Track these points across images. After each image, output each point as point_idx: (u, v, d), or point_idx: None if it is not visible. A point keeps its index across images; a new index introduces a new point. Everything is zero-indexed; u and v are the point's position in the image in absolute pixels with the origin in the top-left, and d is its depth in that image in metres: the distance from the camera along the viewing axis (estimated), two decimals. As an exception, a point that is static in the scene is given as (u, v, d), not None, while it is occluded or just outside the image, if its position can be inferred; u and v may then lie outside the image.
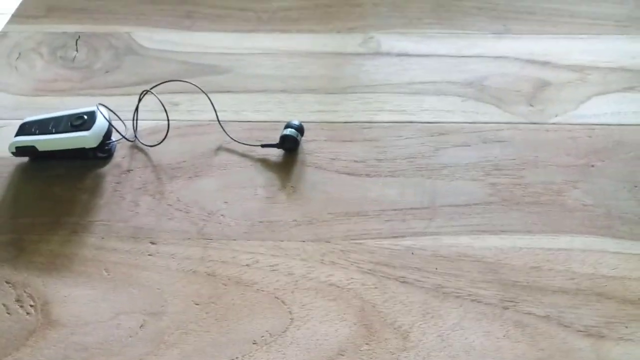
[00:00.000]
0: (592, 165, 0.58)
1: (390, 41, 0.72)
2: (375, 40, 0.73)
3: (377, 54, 0.71)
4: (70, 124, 0.57)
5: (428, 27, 0.74)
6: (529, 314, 0.47)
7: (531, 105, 0.64)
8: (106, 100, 0.63)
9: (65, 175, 0.58)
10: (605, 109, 0.63)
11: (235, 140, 0.60)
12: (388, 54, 0.71)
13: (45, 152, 0.58)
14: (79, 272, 0.51)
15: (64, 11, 0.78)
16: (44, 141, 0.57)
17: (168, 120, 0.59)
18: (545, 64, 0.68)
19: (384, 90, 0.66)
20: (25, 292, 0.49)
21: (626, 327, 0.46)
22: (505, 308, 0.47)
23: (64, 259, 0.52)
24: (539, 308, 0.47)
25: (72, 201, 0.56)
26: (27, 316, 0.48)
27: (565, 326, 0.46)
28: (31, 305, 0.48)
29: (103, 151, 0.59)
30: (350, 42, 0.72)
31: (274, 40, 0.73)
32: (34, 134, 0.58)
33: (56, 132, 0.57)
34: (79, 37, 0.74)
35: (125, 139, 0.61)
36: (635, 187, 0.56)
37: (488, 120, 0.62)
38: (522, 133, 0.61)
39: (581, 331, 0.46)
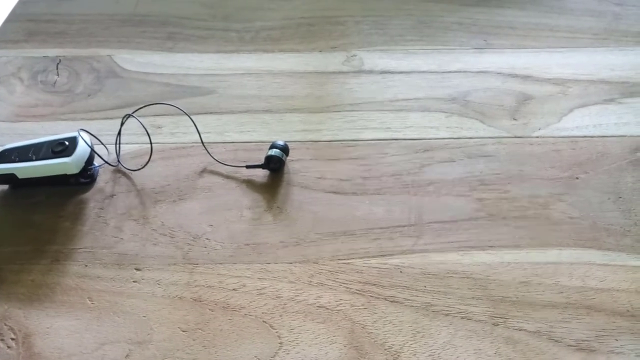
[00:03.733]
0: (577, 178, 0.58)
1: (373, 59, 0.73)
2: (357, 58, 0.73)
3: (360, 72, 0.71)
4: (51, 150, 0.56)
5: (410, 44, 0.74)
6: (520, 329, 0.47)
7: (514, 119, 0.64)
8: (88, 125, 0.62)
9: (46, 203, 0.57)
10: (587, 121, 0.63)
11: (219, 162, 0.60)
12: (371, 71, 0.71)
13: (26, 179, 0.57)
14: (61, 302, 0.50)
15: (44, 35, 0.78)
16: (24, 168, 0.56)
17: (151, 143, 0.59)
18: (526, 77, 0.69)
19: (368, 108, 0.66)
20: (5, 324, 0.48)
21: (616, 340, 0.46)
22: (496, 324, 0.47)
23: (46, 289, 0.50)
24: (529, 323, 0.47)
25: (54, 229, 0.55)
26: (8, 350, 0.47)
27: (556, 341, 0.46)
28: (12, 339, 0.47)
29: (85, 177, 0.58)
30: (333, 61, 0.72)
31: (257, 61, 0.73)
32: (14, 161, 0.57)
33: (37, 159, 0.56)
34: (60, 60, 0.74)
35: (108, 163, 0.60)
36: (620, 198, 0.56)
37: (472, 135, 0.63)
38: (506, 147, 0.61)
39: (572, 346, 0.46)
